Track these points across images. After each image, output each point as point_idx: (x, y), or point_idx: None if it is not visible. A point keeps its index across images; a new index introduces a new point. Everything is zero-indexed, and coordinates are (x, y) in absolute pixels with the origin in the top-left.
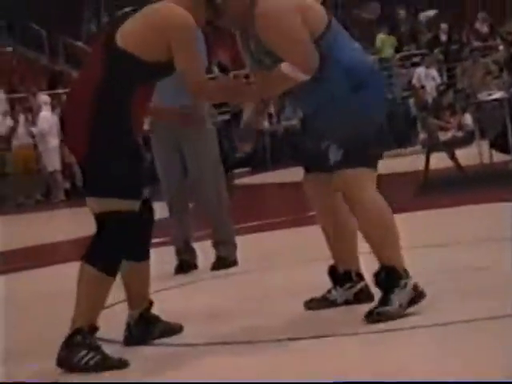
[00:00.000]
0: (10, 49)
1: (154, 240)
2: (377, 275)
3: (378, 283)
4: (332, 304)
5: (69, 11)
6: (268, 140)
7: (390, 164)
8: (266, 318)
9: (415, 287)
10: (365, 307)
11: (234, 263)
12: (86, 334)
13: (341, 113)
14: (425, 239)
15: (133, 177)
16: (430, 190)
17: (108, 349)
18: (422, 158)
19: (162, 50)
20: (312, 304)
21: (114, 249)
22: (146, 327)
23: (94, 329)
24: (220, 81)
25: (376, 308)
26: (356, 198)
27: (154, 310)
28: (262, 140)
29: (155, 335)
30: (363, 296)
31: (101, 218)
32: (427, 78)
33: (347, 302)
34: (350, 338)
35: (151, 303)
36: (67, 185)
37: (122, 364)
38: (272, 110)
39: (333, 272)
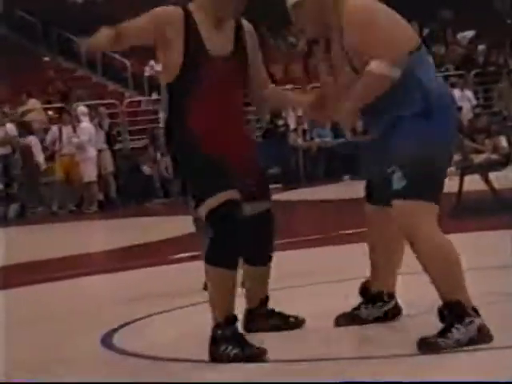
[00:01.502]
0: (46, 59)
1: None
2: (441, 311)
3: (441, 319)
4: (361, 321)
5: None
6: (301, 157)
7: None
8: (299, 335)
9: (481, 328)
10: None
11: None
12: (224, 327)
13: (412, 138)
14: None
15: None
16: (463, 213)
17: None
18: (456, 180)
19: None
20: (341, 320)
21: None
22: (257, 321)
23: (229, 320)
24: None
25: (433, 337)
26: (411, 234)
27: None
28: (296, 156)
29: (265, 327)
30: (394, 312)
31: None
32: (463, 99)
33: (377, 320)
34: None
35: (267, 299)
36: (101, 196)
37: (260, 352)
38: (306, 126)
39: (364, 290)
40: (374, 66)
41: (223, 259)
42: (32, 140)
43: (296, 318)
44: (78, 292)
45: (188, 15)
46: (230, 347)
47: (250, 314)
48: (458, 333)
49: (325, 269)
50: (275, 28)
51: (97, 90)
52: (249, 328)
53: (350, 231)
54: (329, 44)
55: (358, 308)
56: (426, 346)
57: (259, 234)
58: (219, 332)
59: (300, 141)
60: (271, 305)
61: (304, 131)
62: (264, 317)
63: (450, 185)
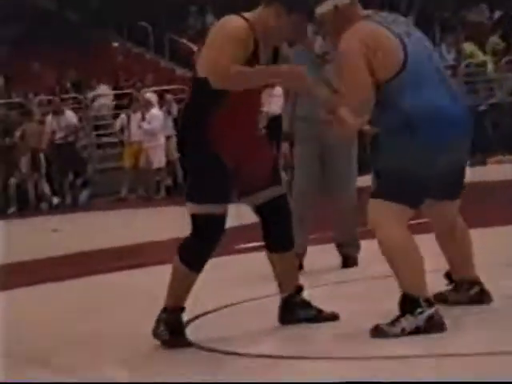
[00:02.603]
0: (115, 44)
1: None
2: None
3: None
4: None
5: (174, 8)
6: None
7: (493, 171)
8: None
9: (431, 318)
10: None
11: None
12: (169, 313)
13: (391, 151)
14: None
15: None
16: None
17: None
18: None
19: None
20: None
21: (198, 249)
22: (290, 310)
23: (176, 309)
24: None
25: (383, 325)
26: (375, 232)
27: None
28: None
29: (300, 318)
30: (482, 297)
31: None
32: None
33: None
34: None
35: (300, 288)
36: (169, 182)
37: (186, 344)
38: None
39: (449, 277)
40: (343, 113)
41: (194, 262)
42: None
43: (330, 313)
44: (151, 280)
45: (253, 31)
46: (164, 332)
47: (284, 303)
48: (406, 322)
49: None
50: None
51: (165, 75)
52: (284, 319)
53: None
54: None
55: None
56: (375, 330)
57: (275, 220)
58: (163, 315)
59: None
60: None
61: None
62: (298, 307)
63: None
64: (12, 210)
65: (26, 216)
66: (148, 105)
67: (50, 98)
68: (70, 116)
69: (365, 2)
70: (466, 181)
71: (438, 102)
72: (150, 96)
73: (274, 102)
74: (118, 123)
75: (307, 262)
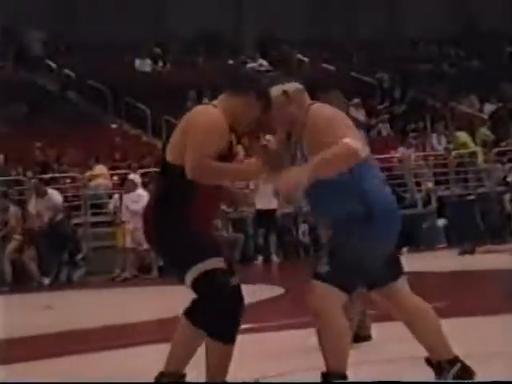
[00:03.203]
0: (114, 126)
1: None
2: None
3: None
4: None
5: (173, 91)
6: None
7: (482, 260)
8: None
9: None
10: None
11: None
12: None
13: (347, 234)
14: None
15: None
16: None
17: None
18: None
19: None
20: None
21: (217, 308)
22: None
23: None
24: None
25: None
26: (318, 314)
27: None
28: None
29: None
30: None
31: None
32: None
33: None
34: None
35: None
36: (160, 262)
37: None
38: None
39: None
40: (349, 140)
41: (225, 334)
42: None
43: None
44: (141, 360)
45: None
46: None
47: None
48: None
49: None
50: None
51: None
52: None
53: None
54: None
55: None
56: None
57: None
58: None
59: None
60: None
61: None
62: None
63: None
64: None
65: (20, 292)
66: (132, 186)
67: (49, 176)
68: (55, 195)
69: (362, 91)
70: (455, 269)
71: (388, 193)
72: (134, 177)
73: None
74: (112, 203)
75: None
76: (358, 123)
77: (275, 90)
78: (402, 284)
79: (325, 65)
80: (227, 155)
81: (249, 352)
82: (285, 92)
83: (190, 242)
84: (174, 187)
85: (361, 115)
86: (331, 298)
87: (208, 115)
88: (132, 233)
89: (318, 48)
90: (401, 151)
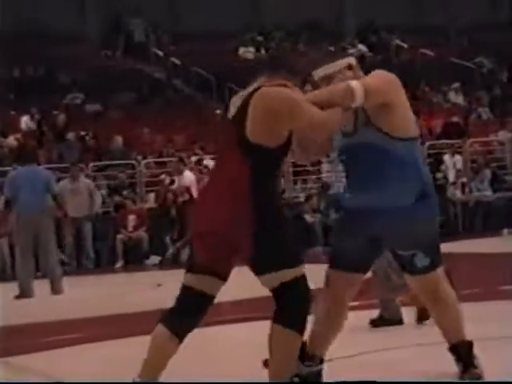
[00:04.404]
0: (218, 111)
1: None
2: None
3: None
4: None
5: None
6: (460, 209)
7: None
8: None
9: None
10: None
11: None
12: None
13: (422, 222)
14: None
15: (292, 246)
16: None
17: None
18: None
19: (282, 133)
20: None
21: (305, 310)
22: None
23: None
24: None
25: None
26: (440, 295)
27: None
28: (454, 209)
29: None
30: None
31: (282, 288)
32: None
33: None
34: None
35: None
36: None
37: None
38: (465, 180)
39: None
40: (354, 83)
41: (303, 327)
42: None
43: None
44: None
45: None
46: None
47: None
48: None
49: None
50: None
51: None
52: None
53: (510, 287)
54: None
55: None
56: None
57: None
58: None
59: (458, 193)
60: None
61: (463, 184)
62: None
63: None
64: (119, 264)
65: (131, 271)
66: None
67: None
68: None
69: (462, 76)
70: None
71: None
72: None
73: None
74: None
75: None
76: (457, 107)
77: (333, 66)
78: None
79: (424, 50)
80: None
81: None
82: (349, 65)
83: (285, 240)
84: (264, 171)
85: (460, 99)
86: (443, 279)
87: (282, 90)
88: None
89: (417, 34)
90: (501, 134)
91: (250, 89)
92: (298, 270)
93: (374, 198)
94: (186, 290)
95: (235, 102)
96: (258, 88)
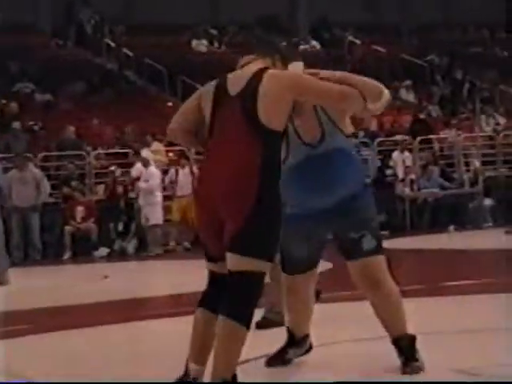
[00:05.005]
0: (170, 104)
1: None
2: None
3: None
4: (289, 361)
5: (228, 71)
6: (408, 206)
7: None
8: None
9: None
10: None
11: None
12: None
13: (370, 206)
14: None
15: (277, 243)
16: None
17: None
18: None
19: (287, 114)
20: (272, 362)
21: (255, 305)
22: None
23: (235, 378)
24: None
25: None
26: (382, 281)
27: None
28: (402, 206)
29: None
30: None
31: (241, 276)
32: None
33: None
34: None
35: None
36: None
37: None
38: (413, 176)
39: (291, 335)
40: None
41: (250, 319)
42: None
43: None
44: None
45: None
46: None
47: None
48: None
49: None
50: None
51: None
52: None
53: (454, 283)
54: None
55: (285, 350)
56: None
57: None
58: None
59: (407, 190)
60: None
61: (411, 181)
62: None
63: None
64: (67, 255)
65: (79, 262)
66: (145, 162)
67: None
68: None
69: (413, 73)
70: (500, 248)
71: None
72: (147, 154)
73: None
74: (168, 178)
75: None
76: (408, 105)
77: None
78: None
79: (376, 47)
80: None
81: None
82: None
83: (275, 228)
84: (271, 151)
85: (411, 97)
86: (384, 266)
87: (288, 71)
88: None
89: (369, 31)
90: (450, 132)
91: (251, 69)
92: (267, 265)
93: (337, 197)
94: (210, 274)
95: (236, 82)
96: (262, 70)
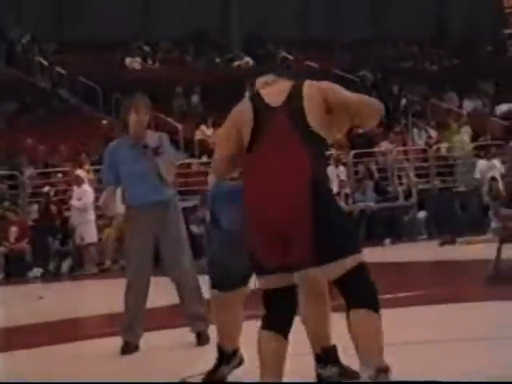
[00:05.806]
0: (104, 122)
1: None
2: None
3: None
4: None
5: (163, 87)
6: None
7: (462, 251)
8: None
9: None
10: None
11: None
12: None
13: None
14: (491, 331)
15: (353, 231)
16: (500, 281)
17: None
18: (494, 247)
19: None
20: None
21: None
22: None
23: None
24: None
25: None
26: (324, 294)
27: None
28: None
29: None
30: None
31: (354, 272)
32: (493, 169)
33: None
34: None
35: None
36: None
37: None
38: (348, 190)
39: (221, 352)
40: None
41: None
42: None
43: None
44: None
45: None
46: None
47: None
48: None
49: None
50: None
51: None
52: None
53: (390, 295)
54: None
55: (218, 368)
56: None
57: None
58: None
59: (342, 204)
60: None
61: (346, 195)
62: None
63: (488, 252)
64: (0, 276)
65: (12, 283)
66: (79, 181)
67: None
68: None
69: (345, 88)
70: (435, 259)
71: None
72: (80, 172)
73: None
74: (102, 198)
75: None
76: None
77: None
78: None
79: (309, 62)
80: None
81: None
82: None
83: (348, 225)
84: (321, 159)
85: None
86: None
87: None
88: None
89: (302, 47)
90: (384, 146)
91: (286, 83)
92: (361, 255)
93: None
94: (265, 295)
95: (275, 93)
96: (299, 82)
